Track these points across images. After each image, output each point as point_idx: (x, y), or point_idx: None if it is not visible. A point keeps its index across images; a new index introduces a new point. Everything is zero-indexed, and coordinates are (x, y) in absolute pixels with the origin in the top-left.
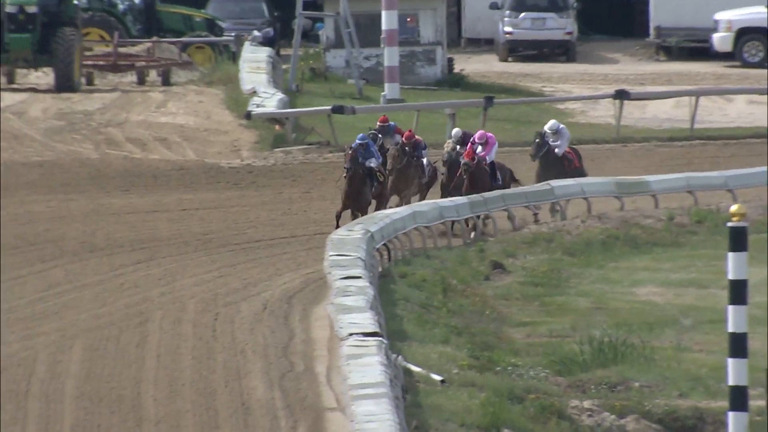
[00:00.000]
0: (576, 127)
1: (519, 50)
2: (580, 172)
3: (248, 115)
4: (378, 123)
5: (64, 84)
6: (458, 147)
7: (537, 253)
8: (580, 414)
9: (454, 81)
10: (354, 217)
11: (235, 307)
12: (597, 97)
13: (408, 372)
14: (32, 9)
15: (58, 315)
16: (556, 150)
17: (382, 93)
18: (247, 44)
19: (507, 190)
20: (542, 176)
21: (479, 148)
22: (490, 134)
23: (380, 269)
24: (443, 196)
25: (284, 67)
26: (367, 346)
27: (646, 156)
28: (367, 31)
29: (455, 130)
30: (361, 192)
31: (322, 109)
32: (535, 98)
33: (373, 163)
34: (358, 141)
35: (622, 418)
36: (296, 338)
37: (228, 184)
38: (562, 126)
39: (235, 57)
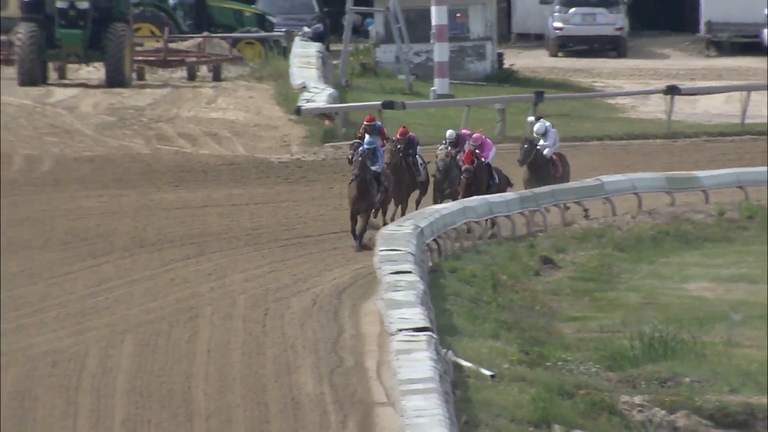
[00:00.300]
0: (627, 122)
1: (569, 46)
2: (564, 181)
3: (298, 111)
4: (364, 123)
5: (115, 79)
6: (449, 148)
7: (587, 249)
8: (631, 409)
9: (503, 76)
10: (354, 220)
11: (285, 302)
12: (647, 92)
13: (458, 367)
14: (84, 5)
15: (109, 310)
16: (545, 151)
17: (432, 88)
18: (297, 39)
19: (557, 186)
20: (530, 180)
21: (476, 151)
22: (486, 138)
23: (430, 264)
24: (436, 196)
25: (334, 62)
26: (416, 342)
27: (696, 151)
28: (417, 26)
29: (449, 132)
30: (368, 195)
31: (372, 105)
32: (586, 93)
33: (378, 167)
34: (366, 146)
35: (672, 413)
36: (346, 333)
37: (278, 179)
38: (548, 124)
39: (285, 52)
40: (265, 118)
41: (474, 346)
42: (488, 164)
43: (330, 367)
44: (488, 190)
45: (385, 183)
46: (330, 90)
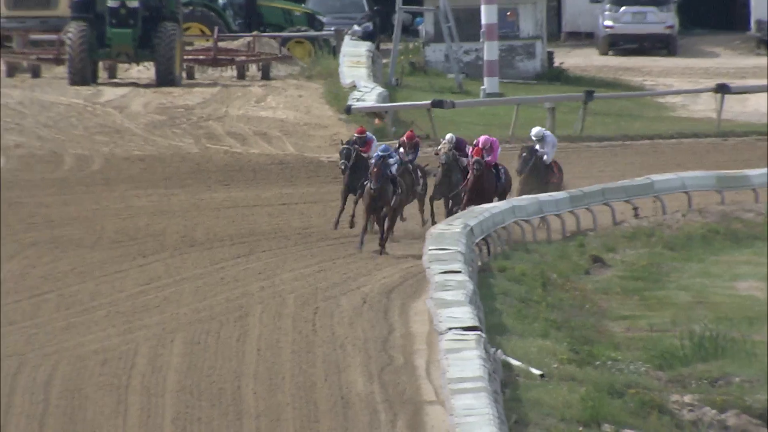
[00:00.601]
0: (677, 121)
1: (619, 44)
2: (559, 188)
3: (348, 109)
4: (355, 135)
5: (165, 78)
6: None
7: (637, 248)
8: (681, 409)
9: (553, 75)
10: (367, 220)
11: (334, 301)
12: (698, 91)
13: (507, 366)
14: (134, 4)
15: (159, 309)
16: (544, 158)
17: (482, 87)
18: (347, 38)
19: (607, 184)
20: (526, 187)
21: (484, 155)
22: (493, 138)
23: (479, 263)
24: (435, 194)
25: (384, 61)
26: (466, 341)
27: (746, 150)
28: (467, 25)
29: (449, 136)
30: (385, 201)
31: (422, 104)
32: (636, 92)
33: (393, 170)
34: (380, 153)
35: (723, 413)
36: (395, 332)
37: (327, 179)
38: (547, 132)
39: (334, 51)
40: (315, 117)
41: (523, 345)
42: (495, 163)
43: (380, 365)
44: (495, 190)
45: (401, 187)
46: (380, 89)
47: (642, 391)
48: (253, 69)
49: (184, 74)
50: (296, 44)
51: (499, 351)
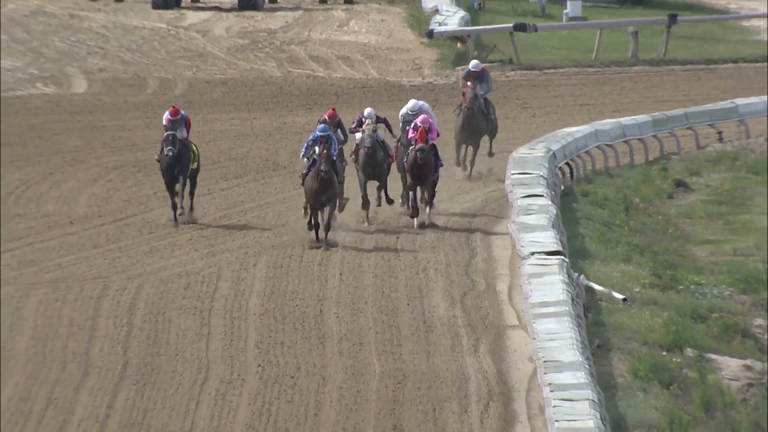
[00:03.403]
0: (761, 44)
1: None
2: (494, 131)
3: (430, 34)
4: (326, 117)
5: (248, 3)
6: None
7: (721, 171)
8: (764, 333)
9: None
10: (314, 213)
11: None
12: None
13: (590, 291)
14: None
15: (242, 232)
16: (481, 93)
17: (565, 11)
18: None
19: (691, 108)
20: (462, 129)
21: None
22: (431, 119)
23: (562, 187)
24: (362, 177)
25: None
26: (548, 265)
27: None
28: None
29: (368, 110)
30: (331, 189)
31: (504, 27)
32: (720, 16)
33: (334, 156)
34: (319, 133)
35: None
36: (477, 257)
37: None
38: (486, 70)
39: None
40: (397, 41)
41: (606, 270)
42: (434, 145)
43: (462, 290)
44: (435, 171)
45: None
46: (462, 13)
47: (725, 315)
48: None
49: None
50: None
51: (582, 276)
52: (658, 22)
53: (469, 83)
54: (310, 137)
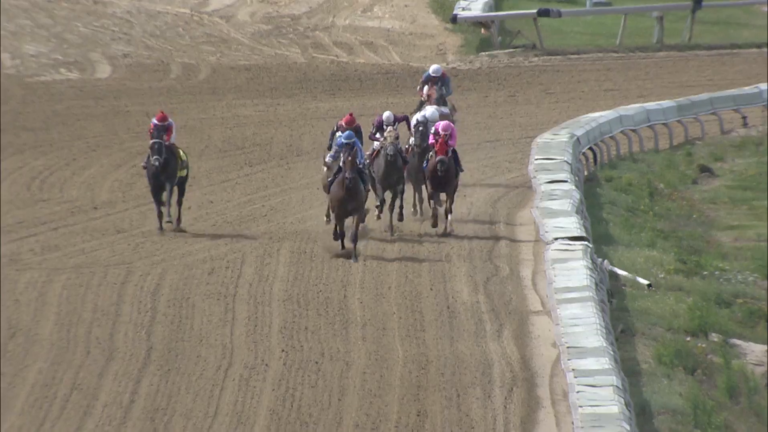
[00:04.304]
0: None
1: None
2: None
3: (454, 19)
4: (343, 122)
5: None
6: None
7: (745, 157)
8: None
9: None
10: (341, 224)
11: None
12: None
13: (614, 276)
14: None
15: (266, 218)
16: (445, 94)
17: None
18: None
19: (716, 93)
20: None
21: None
22: (451, 124)
23: (586, 173)
24: (380, 189)
25: None
26: (572, 250)
27: None
28: None
29: (387, 114)
30: (358, 198)
31: (528, 13)
32: (745, 0)
33: (360, 162)
34: (344, 140)
35: None
36: (501, 242)
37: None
38: (440, 67)
39: None
40: (421, 26)
41: (630, 255)
42: (455, 150)
43: (485, 275)
44: (456, 178)
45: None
46: None
47: (750, 300)
48: None
49: None
50: None
51: (606, 261)
52: (683, 7)
53: (426, 87)
54: (335, 143)
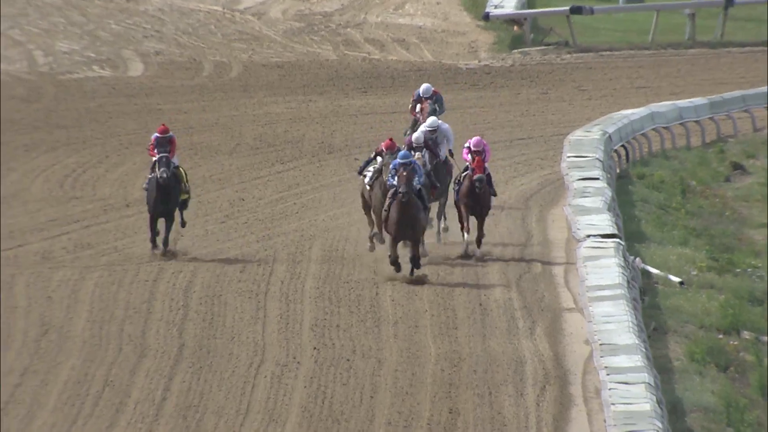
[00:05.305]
0: None
1: None
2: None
3: (486, 16)
4: (384, 148)
5: None
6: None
7: None
8: None
9: None
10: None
11: None
12: None
13: (646, 274)
14: None
15: (298, 215)
16: (441, 153)
17: None
18: None
19: (748, 90)
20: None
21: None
22: (484, 140)
23: (618, 170)
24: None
25: None
26: (604, 248)
27: None
28: None
29: (425, 87)
30: (416, 219)
31: (561, 10)
32: None
33: (419, 182)
34: (400, 160)
35: None
36: (533, 239)
37: (465, 86)
38: (441, 123)
39: None
40: (453, 24)
41: (662, 253)
42: (489, 173)
43: (517, 273)
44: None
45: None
46: None
47: None
48: None
49: None
50: None
51: (638, 258)
52: (715, 3)
53: (419, 106)
54: (391, 165)
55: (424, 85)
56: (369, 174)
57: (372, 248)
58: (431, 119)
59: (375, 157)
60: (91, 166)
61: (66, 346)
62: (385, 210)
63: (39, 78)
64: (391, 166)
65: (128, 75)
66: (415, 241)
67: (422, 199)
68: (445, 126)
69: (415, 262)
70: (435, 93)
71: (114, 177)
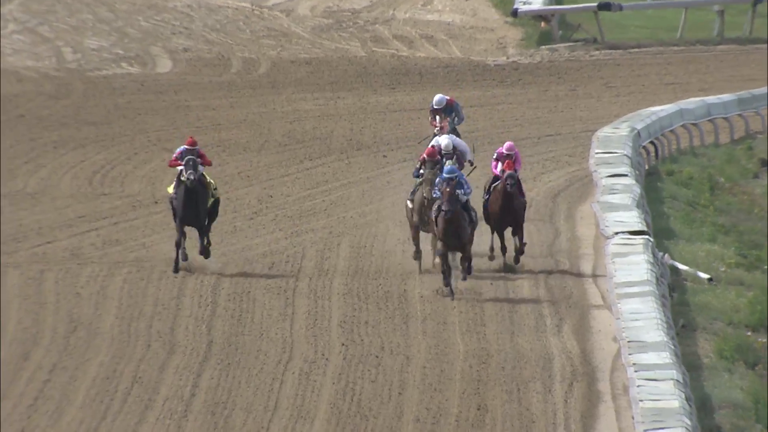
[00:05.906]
0: None
1: None
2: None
3: (514, 13)
4: (426, 156)
5: None
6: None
7: None
8: None
9: None
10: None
11: None
12: None
13: (675, 270)
14: None
15: (326, 212)
16: (456, 123)
17: None
18: None
19: None
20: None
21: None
22: (514, 145)
23: (646, 167)
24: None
25: None
26: (633, 245)
27: None
28: None
29: (438, 98)
30: (463, 229)
31: (589, 6)
32: None
33: (466, 195)
34: (446, 174)
35: None
36: (561, 236)
37: (494, 82)
38: (458, 141)
39: None
40: (481, 20)
41: (691, 250)
42: (519, 181)
43: (546, 269)
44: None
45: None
46: None
47: None
48: None
49: None
50: None
51: (667, 255)
52: (744, 0)
53: (437, 117)
54: (437, 179)
55: (437, 96)
56: (434, 190)
57: (417, 259)
58: (445, 142)
59: (420, 168)
60: (119, 163)
61: (94, 342)
62: (434, 221)
63: (67, 75)
64: (438, 178)
65: (156, 72)
66: (463, 251)
67: (468, 210)
68: (458, 141)
69: (467, 267)
70: (450, 102)
71: (142, 174)
